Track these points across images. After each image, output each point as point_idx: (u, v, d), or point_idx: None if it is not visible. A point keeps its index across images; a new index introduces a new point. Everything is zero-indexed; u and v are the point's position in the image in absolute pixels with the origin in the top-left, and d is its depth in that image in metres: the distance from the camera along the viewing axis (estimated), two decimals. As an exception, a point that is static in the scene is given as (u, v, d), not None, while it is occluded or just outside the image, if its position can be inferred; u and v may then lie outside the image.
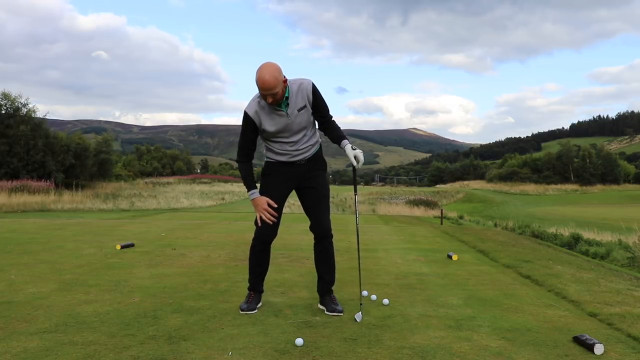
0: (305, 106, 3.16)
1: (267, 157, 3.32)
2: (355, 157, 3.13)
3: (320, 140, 3.39)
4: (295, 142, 3.23)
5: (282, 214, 3.32)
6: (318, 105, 3.22)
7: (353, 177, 3.41)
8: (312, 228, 3.35)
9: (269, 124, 3.14)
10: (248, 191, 3.26)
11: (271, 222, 3.20)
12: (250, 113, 3.13)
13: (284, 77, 3.03)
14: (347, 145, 3.18)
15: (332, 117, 3.32)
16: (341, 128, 3.35)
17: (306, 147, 3.26)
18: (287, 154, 3.24)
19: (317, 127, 3.37)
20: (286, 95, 3.10)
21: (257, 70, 2.98)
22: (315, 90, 3.19)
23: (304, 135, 3.24)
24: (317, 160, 3.33)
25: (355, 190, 3.46)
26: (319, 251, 3.36)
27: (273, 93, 2.98)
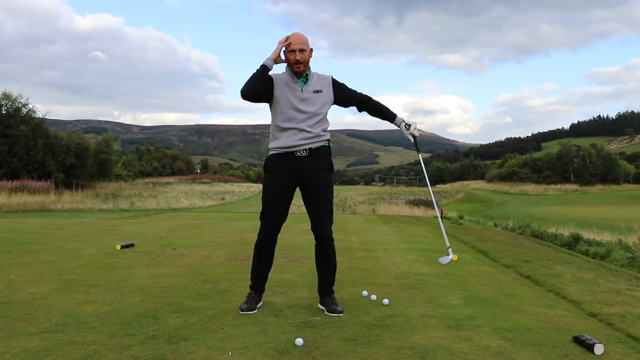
0: (321, 91, 3.23)
1: (270, 149, 3.31)
2: (411, 135, 3.38)
3: (329, 139, 3.36)
4: (301, 129, 3.18)
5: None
6: (346, 93, 3.35)
7: (415, 146, 3.47)
8: (312, 229, 3.34)
9: (281, 90, 3.21)
10: (262, 67, 3.17)
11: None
12: (271, 74, 3.24)
13: (311, 48, 3.22)
14: (402, 124, 3.38)
15: (369, 96, 3.43)
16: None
17: (311, 135, 3.20)
18: (290, 137, 3.19)
19: (329, 125, 3.35)
20: (307, 72, 3.23)
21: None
22: (336, 82, 3.32)
23: (310, 119, 3.20)
24: (321, 157, 3.26)
25: (419, 151, 3.51)
26: (319, 253, 3.36)
27: (302, 49, 3.14)
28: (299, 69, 3.19)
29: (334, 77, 3.34)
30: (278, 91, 3.23)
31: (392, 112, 3.43)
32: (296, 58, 3.15)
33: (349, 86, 3.39)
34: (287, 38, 3.21)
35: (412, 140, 3.40)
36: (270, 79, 3.24)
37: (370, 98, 3.43)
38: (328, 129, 3.35)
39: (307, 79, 3.25)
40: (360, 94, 3.41)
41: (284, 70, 3.29)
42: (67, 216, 15.98)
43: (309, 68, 3.26)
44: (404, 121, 3.40)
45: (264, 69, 3.18)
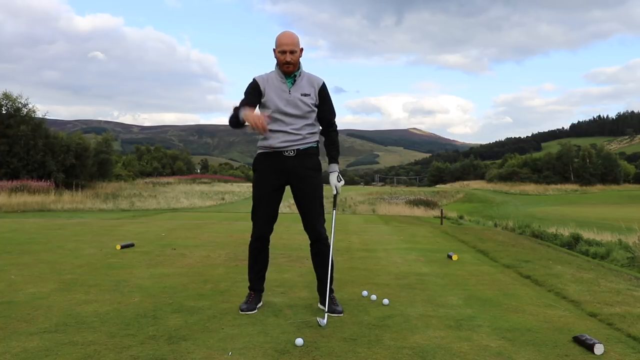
0: (309, 95, 3.22)
1: (259, 148, 3.31)
2: (335, 187, 3.31)
3: (318, 140, 3.36)
4: (288, 131, 3.18)
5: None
6: (324, 103, 3.30)
7: (334, 201, 3.45)
8: (305, 230, 3.35)
9: (269, 96, 3.20)
10: (238, 113, 3.11)
11: (264, 131, 3.07)
12: (258, 79, 3.24)
13: (301, 47, 3.19)
14: (333, 174, 3.31)
15: (336, 126, 3.41)
16: (341, 128, 3.43)
17: (299, 137, 3.21)
18: (277, 138, 3.19)
19: (318, 127, 3.35)
20: (295, 73, 3.21)
21: (278, 34, 3.18)
22: (324, 88, 3.31)
23: (297, 122, 3.20)
24: (309, 158, 3.26)
25: (335, 206, 3.51)
26: (314, 253, 3.36)
27: (292, 50, 3.12)
28: (288, 69, 3.18)
29: (324, 84, 3.30)
30: (266, 97, 3.21)
31: (337, 157, 3.39)
32: (286, 59, 3.13)
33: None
34: (265, 129, 3.03)
35: (335, 192, 3.32)
36: (257, 90, 3.20)
37: (336, 131, 3.41)
38: (317, 131, 3.33)
39: (294, 80, 3.22)
40: (334, 120, 3.38)
41: (273, 69, 3.27)
42: (67, 216, 15.98)
43: (299, 67, 3.24)
44: (338, 172, 3.33)
45: (238, 121, 3.11)
